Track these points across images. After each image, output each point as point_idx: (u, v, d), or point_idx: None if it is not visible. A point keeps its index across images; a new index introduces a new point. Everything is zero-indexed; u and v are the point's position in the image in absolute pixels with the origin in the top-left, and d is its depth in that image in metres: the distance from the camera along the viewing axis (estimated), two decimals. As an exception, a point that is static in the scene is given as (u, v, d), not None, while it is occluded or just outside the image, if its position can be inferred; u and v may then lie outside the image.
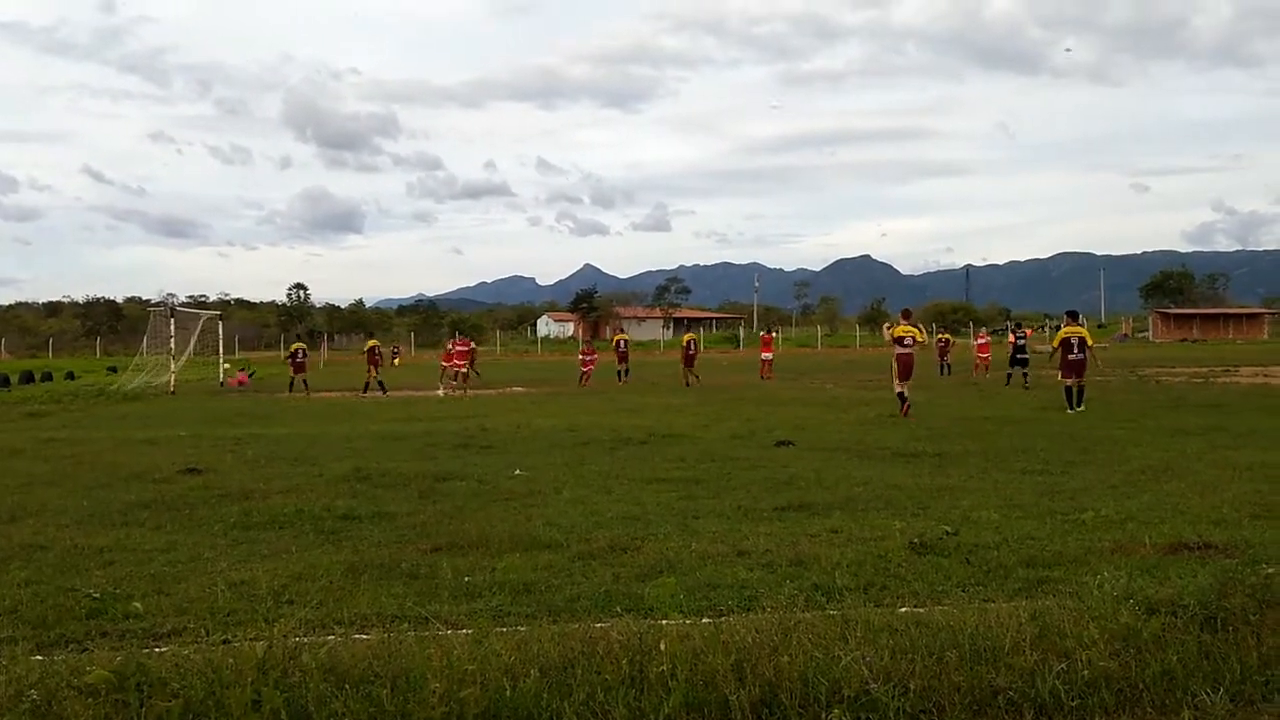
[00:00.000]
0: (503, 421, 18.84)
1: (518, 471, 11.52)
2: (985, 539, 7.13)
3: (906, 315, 20.30)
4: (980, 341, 36.81)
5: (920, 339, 19.70)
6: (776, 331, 46.79)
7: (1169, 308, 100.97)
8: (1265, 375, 31.21)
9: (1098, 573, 5.27)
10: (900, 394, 18.43)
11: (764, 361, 35.82)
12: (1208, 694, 3.70)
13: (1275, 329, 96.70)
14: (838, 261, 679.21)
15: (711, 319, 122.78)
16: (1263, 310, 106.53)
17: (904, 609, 5.01)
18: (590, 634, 4.34)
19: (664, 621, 4.53)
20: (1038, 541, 7.05)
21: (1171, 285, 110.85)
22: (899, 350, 18.81)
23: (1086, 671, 3.79)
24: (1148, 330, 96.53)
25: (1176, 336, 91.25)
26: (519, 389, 31.79)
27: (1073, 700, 3.74)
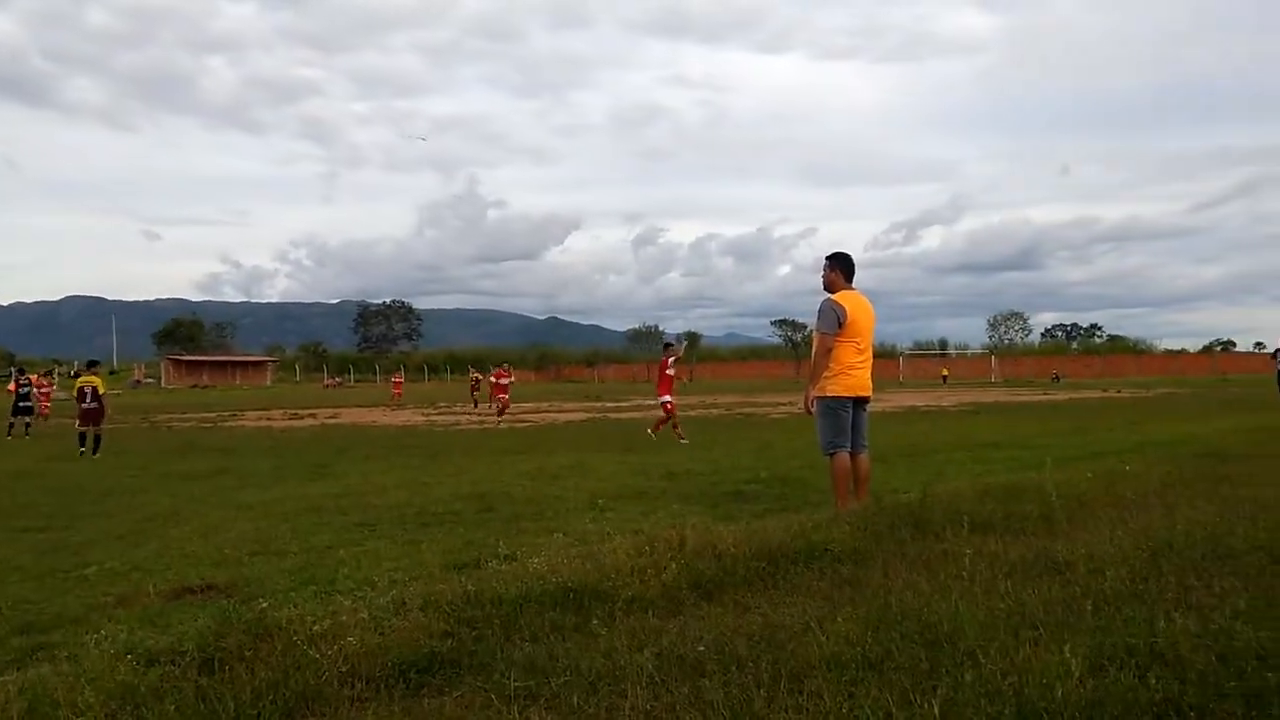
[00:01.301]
0: None
1: None
2: (-28, 613, 6.35)
3: None
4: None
5: None
6: None
7: (181, 354, 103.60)
8: (268, 418, 33.86)
9: (98, 630, 5.06)
10: None
11: None
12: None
13: (277, 375, 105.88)
14: None
15: None
16: (266, 358, 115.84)
17: None
18: None
19: None
20: (35, 605, 6.51)
21: (183, 333, 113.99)
22: None
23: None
24: (159, 377, 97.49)
25: (189, 383, 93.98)
26: None
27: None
